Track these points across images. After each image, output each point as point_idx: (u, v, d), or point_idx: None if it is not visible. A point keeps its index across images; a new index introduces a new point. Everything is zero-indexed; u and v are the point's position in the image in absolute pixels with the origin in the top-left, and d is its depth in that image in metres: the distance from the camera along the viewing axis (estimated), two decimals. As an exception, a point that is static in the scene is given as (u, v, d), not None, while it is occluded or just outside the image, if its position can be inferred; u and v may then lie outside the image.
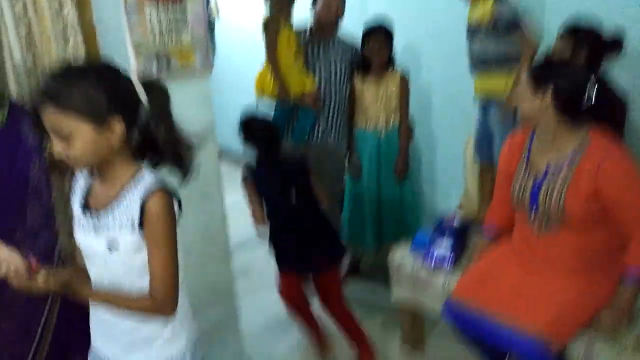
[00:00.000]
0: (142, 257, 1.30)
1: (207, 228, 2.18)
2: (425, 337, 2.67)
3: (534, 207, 1.87)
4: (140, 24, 1.83)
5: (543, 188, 1.83)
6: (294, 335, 2.83)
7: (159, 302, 1.31)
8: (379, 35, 2.93)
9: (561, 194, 1.78)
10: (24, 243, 1.62)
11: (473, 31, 2.66)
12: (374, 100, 3.00)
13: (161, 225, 1.28)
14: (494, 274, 1.98)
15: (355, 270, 3.39)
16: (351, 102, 3.06)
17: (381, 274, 3.20)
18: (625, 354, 1.69)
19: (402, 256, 2.46)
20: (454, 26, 3.10)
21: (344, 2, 2.95)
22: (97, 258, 1.32)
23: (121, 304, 1.32)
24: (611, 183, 1.70)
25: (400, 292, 2.47)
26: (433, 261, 2.29)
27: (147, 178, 1.31)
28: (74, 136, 1.19)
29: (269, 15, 2.79)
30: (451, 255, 2.29)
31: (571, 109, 1.75)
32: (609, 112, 2.07)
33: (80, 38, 1.92)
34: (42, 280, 1.27)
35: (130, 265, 1.30)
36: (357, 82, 3.03)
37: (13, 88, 1.84)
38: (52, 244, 1.71)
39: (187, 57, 1.95)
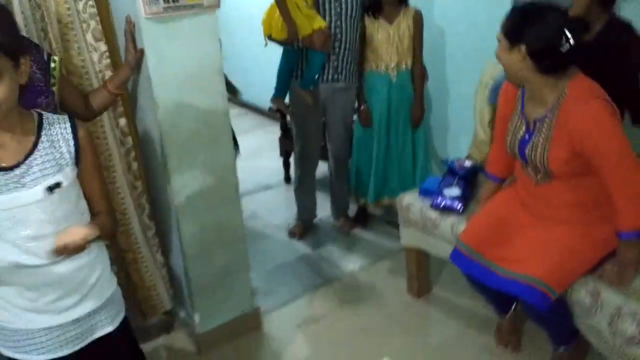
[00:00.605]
0: (77, 190, 1.37)
1: (217, 172, 2.17)
2: (431, 285, 2.69)
3: (523, 159, 1.87)
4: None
5: (529, 143, 1.82)
6: (302, 279, 2.87)
7: (114, 217, 1.52)
8: None
9: (544, 151, 1.76)
10: None
11: None
12: (386, 41, 2.89)
13: (94, 152, 1.42)
14: (500, 218, 1.98)
15: (362, 219, 3.39)
16: (361, 44, 2.96)
17: (390, 221, 3.22)
18: (631, 301, 1.69)
19: (411, 200, 2.44)
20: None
21: None
22: (31, 212, 1.27)
23: (106, 229, 1.44)
24: (583, 135, 1.65)
25: (408, 236, 2.48)
26: (443, 203, 2.28)
27: (53, 117, 1.35)
28: (3, 75, 1.16)
29: None
30: (461, 198, 2.27)
31: (548, 62, 1.68)
32: (623, 52, 2.02)
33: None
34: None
35: (69, 200, 1.34)
36: (368, 21, 2.91)
37: (20, 21, 1.80)
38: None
39: (194, -10, 1.88)
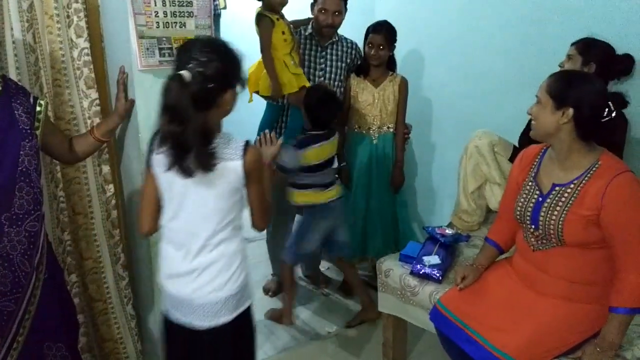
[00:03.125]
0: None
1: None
2: (407, 354, 2.63)
3: (534, 224, 1.86)
4: (144, 9, 1.80)
5: (545, 206, 1.82)
6: (274, 340, 2.79)
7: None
8: (381, 31, 2.86)
9: (562, 215, 1.76)
10: (9, 229, 1.58)
11: None
12: (370, 103, 2.95)
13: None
14: (487, 285, 1.98)
15: (345, 288, 3.31)
16: (345, 104, 2.99)
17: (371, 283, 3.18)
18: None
19: (391, 265, 2.43)
20: (460, 35, 3.12)
21: (343, 10, 2.86)
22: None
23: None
24: (615, 200, 1.67)
25: (386, 302, 2.44)
26: (422, 271, 2.26)
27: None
28: None
29: (262, 7, 2.66)
30: (440, 266, 2.26)
31: (590, 129, 1.72)
32: (610, 131, 2.08)
33: (83, 19, 1.90)
34: None
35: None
36: (355, 81, 2.98)
37: (12, 64, 1.81)
38: (37, 232, 1.66)
39: (190, 46, 1.92)
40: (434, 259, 2.29)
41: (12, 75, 1.80)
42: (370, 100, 2.96)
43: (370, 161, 3.01)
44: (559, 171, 1.82)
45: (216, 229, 1.55)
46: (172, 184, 1.53)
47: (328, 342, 2.80)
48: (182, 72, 1.37)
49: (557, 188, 1.80)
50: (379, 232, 3.12)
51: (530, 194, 1.89)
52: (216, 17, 5.12)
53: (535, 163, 1.95)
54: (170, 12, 1.88)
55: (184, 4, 1.89)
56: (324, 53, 2.92)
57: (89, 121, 1.98)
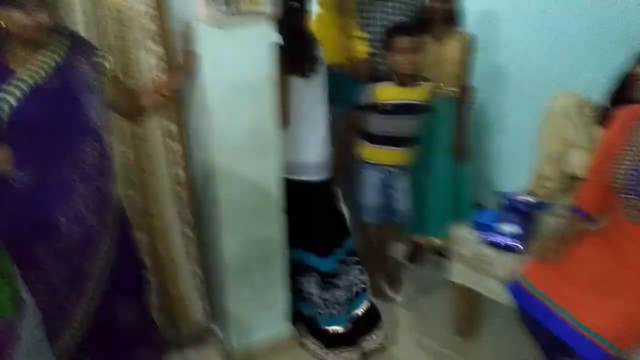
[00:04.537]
0: None
1: (263, 185, 2.09)
2: (480, 327, 2.51)
3: (638, 194, 1.67)
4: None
5: None
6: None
7: None
8: None
9: None
10: (79, 188, 1.56)
11: None
12: (432, 63, 2.65)
13: None
14: (576, 259, 1.82)
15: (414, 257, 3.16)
16: None
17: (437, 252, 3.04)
18: None
19: (464, 233, 2.28)
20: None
21: None
22: None
23: None
24: None
25: (459, 272, 2.31)
26: (503, 242, 2.11)
27: None
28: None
29: None
30: (521, 235, 2.10)
31: None
32: None
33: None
34: None
35: None
36: None
37: (80, 18, 1.78)
38: (108, 190, 1.65)
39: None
40: (514, 228, 2.12)
41: (81, 30, 1.78)
42: (432, 60, 2.65)
43: (429, 128, 2.71)
44: None
45: None
46: None
47: (397, 310, 2.70)
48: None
49: None
50: (439, 208, 2.85)
51: (634, 161, 1.69)
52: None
53: (635, 126, 1.73)
54: (237, -39, 1.78)
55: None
56: (384, 9, 2.60)
57: (154, 77, 1.94)
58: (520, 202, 2.24)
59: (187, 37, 1.84)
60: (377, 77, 2.40)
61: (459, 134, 2.78)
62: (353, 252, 2.42)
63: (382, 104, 2.39)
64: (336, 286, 2.30)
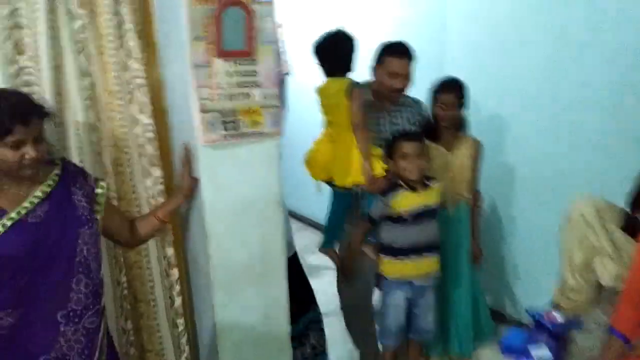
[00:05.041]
0: None
1: (267, 311, 1.94)
2: None
3: None
4: (208, 79, 1.68)
5: None
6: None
7: None
8: (453, 89, 2.54)
9: None
10: (66, 327, 1.44)
11: None
12: (444, 169, 2.58)
13: None
14: None
15: None
16: None
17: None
18: None
19: (491, 357, 2.07)
20: (545, 89, 2.81)
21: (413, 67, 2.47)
22: None
23: None
24: None
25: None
26: (532, 367, 1.91)
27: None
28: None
29: (353, 82, 2.31)
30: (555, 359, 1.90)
31: None
32: None
33: (145, 94, 1.81)
34: None
35: None
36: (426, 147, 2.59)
37: (73, 145, 1.73)
38: (96, 328, 1.51)
39: (257, 118, 1.77)
40: (544, 352, 1.92)
41: (74, 156, 1.73)
42: (444, 166, 2.59)
43: (447, 237, 2.57)
44: None
45: None
46: None
47: None
48: None
49: None
50: (461, 323, 2.65)
51: None
52: (281, 83, 5.05)
53: None
54: (236, 82, 1.75)
55: (250, 74, 1.75)
56: (395, 116, 2.54)
57: (152, 201, 1.85)
58: (548, 320, 2.06)
59: (187, 159, 1.78)
60: (387, 188, 2.31)
61: (475, 240, 2.70)
62: (317, 319, 2.44)
63: (400, 213, 2.28)
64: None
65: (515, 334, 2.12)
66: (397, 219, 2.28)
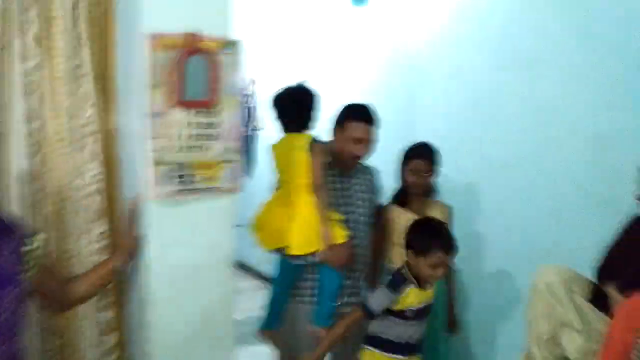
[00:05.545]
0: None
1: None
2: None
3: None
4: (164, 129, 1.58)
5: None
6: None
7: None
8: (426, 155, 2.48)
9: None
10: None
11: None
12: None
13: None
14: None
15: None
16: (385, 237, 2.53)
17: None
18: None
19: None
20: (519, 158, 2.81)
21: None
22: None
23: None
24: None
25: None
26: None
27: None
28: None
29: (314, 139, 2.15)
30: None
31: None
32: None
33: (97, 141, 1.69)
34: None
35: None
36: (396, 213, 2.53)
37: (14, 194, 1.59)
38: None
39: (214, 172, 1.66)
40: None
41: (14, 205, 1.58)
42: None
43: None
44: None
45: None
46: None
47: None
48: None
49: None
50: None
51: None
52: (251, 138, 4.95)
53: None
54: (195, 134, 1.65)
55: (210, 126, 1.66)
56: (348, 185, 2.35)
57: (90, 258, 1.70)
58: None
59: (132, 214, 1.64)
60: (397, 281, 2.16)
61: (452, 308, 2.69)
62: None
63: (405, 310, 2.12)
64: None
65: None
66: (398, 314, 2.13)
